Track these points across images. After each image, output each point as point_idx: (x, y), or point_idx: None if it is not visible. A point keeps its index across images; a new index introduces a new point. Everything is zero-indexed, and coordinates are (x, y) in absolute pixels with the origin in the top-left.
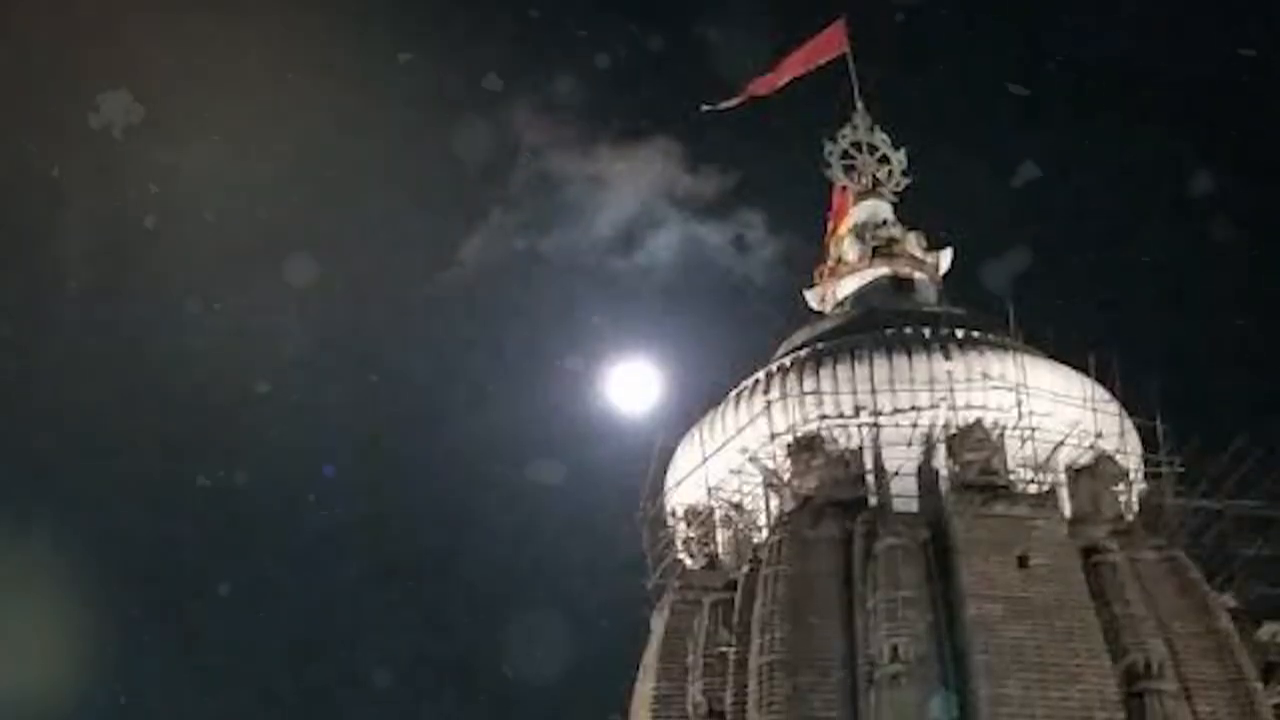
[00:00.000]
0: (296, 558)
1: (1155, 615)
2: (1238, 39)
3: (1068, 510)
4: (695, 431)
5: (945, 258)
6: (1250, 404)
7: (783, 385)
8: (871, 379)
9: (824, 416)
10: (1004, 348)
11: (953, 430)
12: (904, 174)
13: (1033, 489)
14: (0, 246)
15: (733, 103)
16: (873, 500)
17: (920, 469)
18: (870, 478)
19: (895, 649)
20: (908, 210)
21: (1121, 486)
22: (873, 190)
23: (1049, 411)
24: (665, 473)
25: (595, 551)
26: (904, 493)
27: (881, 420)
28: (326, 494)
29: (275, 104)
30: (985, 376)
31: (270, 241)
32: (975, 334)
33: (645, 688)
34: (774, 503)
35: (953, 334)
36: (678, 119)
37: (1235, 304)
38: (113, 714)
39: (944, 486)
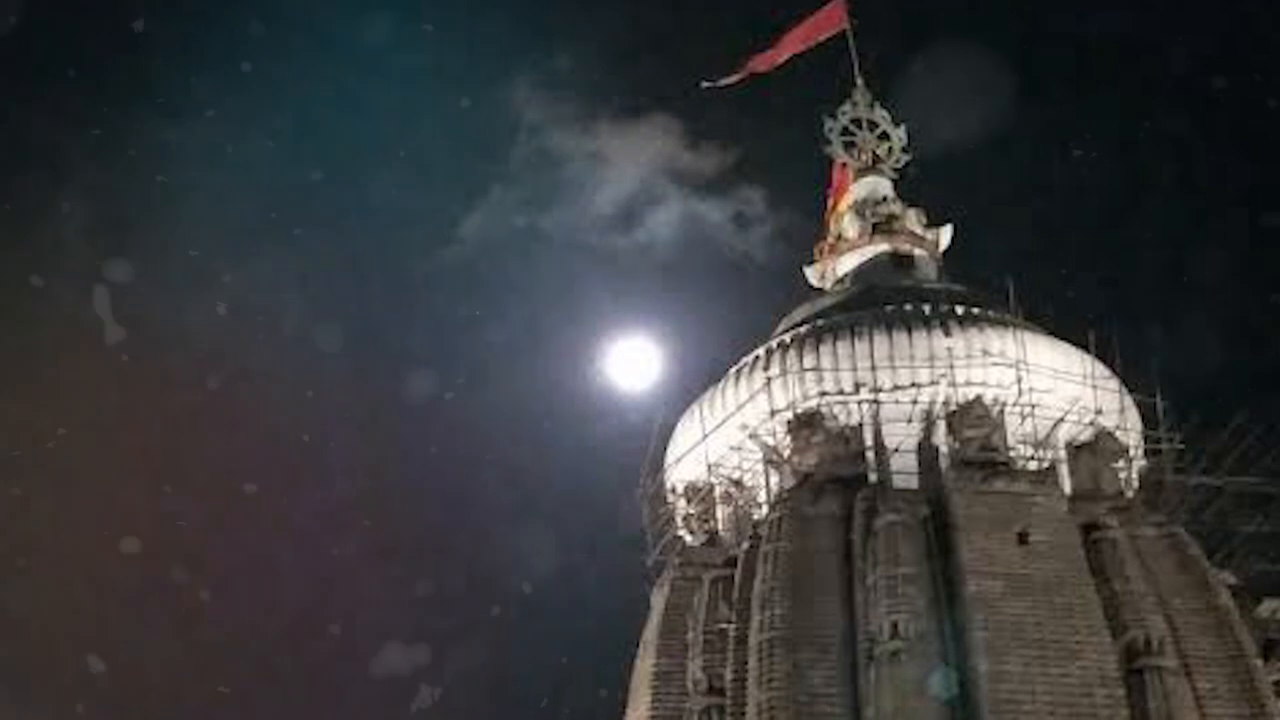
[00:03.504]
0: (295, 535)
1: (1155, 592)
2: (1238, 15)
3: (1067, 487)
4: (695, 408)
5: (945, 234)
6: (1250, 380)
7: (783, 362)
8: (871, 355)
9: (824, 393)
10: (1004, 324)
11: (953, 407)
12: (904, 150)
13: (1033, 466)
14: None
15: (733, 79)
16: (873, 477)
17: (920, 446)
18: (870, 454)
19: (895, 626)
20: (908, 187)
21: (1121, 463)
22: (873, 167)
23: (1049, 388)
24: (665, 449)
25: (595, 528)
26: (904, 469)
27: (881, 397)
28: (326, 471)
29: (275, 80)
30: (985, 353)
31: (270, 218)
32: (975, 311)
33: (645, 664)
34: (774, 479)
35: (953, 310)
36: (678, 95)
37: (1235, 281)
38: (112, 693)
39: (944, 463)
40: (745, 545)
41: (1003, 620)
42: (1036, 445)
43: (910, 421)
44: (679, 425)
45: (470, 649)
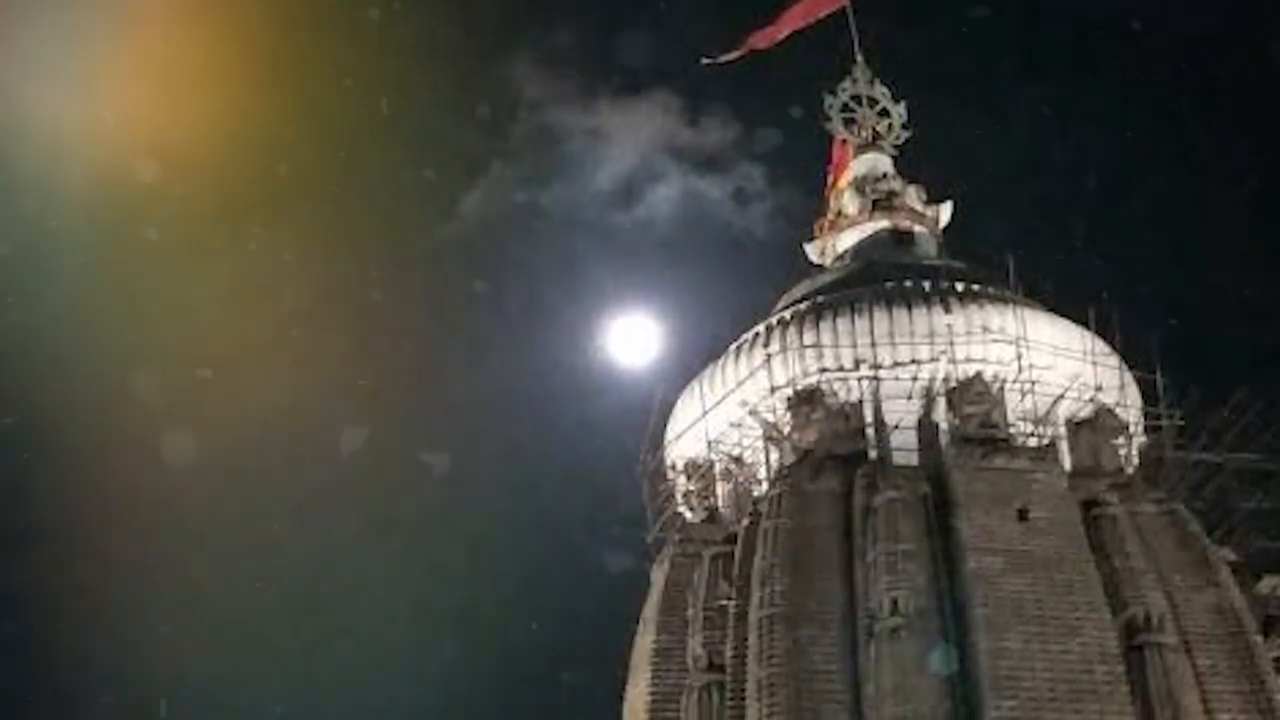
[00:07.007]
0: (296, 511)
1: (1155, 568)
2: None
3: (1067, 463)
4: (695, 385)
5: (945, 211)
6: (1250, 357)
7: (783, 338)
8: (871, 332)
9: (824, 370)
10: (1004, 301)
11: (953, 383)
12: (904, 127)
13: (1033, 442)
14: None
15: (733, 56)
16: (873, 453)
17: (920, 422)
18: (870, 431)
19: (895, 602)
20: (908, 163)
21: (1121, 440)
22: (873, 143)
23: (1049, 365)
24: (665, 426)
25: (595, 505)
26: (904, 446)
27: (881, 373)
28: (326, 447)
29: (276, 57)
30: (985, 330)
31: (270, 194)
32: (975, 287)
33: (645, 641)
34: (774, 456)
35: (953, 287)
36: (678, 72)
37: (1235, 257)
38: (111, 669)
39: (944, 440)
40: (745, 522)
41: (1003, 597)
42: (1036, 422)
43: (910, 398)
44: (679, 402)
45: (470, 624)
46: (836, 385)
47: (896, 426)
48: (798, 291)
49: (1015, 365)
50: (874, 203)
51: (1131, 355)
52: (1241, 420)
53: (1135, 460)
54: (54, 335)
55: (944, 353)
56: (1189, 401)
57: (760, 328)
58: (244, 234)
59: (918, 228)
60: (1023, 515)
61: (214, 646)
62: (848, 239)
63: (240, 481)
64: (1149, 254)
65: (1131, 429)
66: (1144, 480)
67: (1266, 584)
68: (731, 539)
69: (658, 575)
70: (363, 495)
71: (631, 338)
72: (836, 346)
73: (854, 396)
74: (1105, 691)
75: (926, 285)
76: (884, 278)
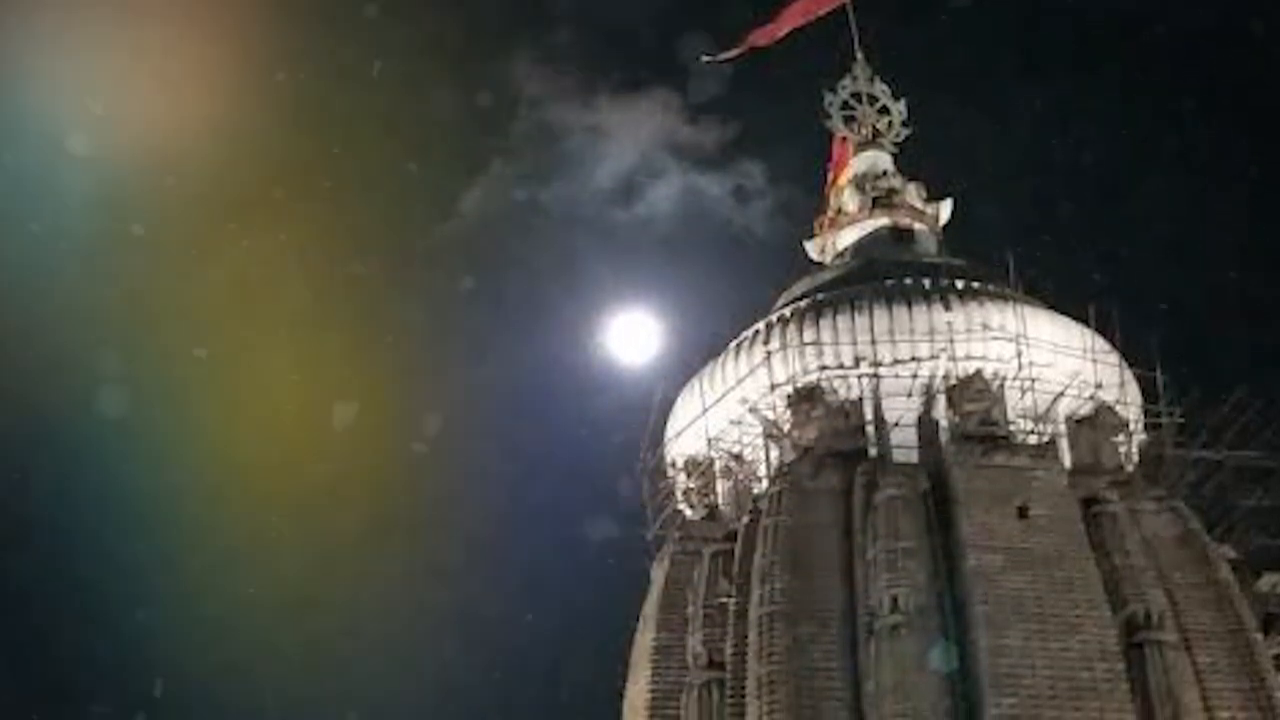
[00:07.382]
0: (295, 508)
1: (1155, 566)
2: None
3: (1067, 461)
4: (695, 382)
5: (945, 208)
6: (1250, 355)
7: (783, 336)
8: (871, 330)
9: (824, 367)
10: (1004, 298)
11: (953, 381)
12: (904, 125)
13: (1033, 440)
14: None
15: (733, 53)
16: (873, 451)
17: (920, 420)
18: (870, 428)
19: (895, 600)
20: (908, 161)
21: (1121, 437)
22: (873, 141)
23: (1049, 362)
24: (665, 423)
25: (595, 502)
26: (904, 443)
27: (881, 371)
28: (324, 444)
29: (274, 54)
30: (985, 327)
31: (268, 192)
32: (975, 285)
33: (645, 638)
34: (774, 453)
35: (953, 285)
36: (677, 70)
37: (1235, 255)
38: (109, 666)
39: (944, 437)
40: (745, 519)
41: (1003, 594)
42: (1036, 419)
43: (910, 396)
44: (679, 399)
45: (469, 623)
46: (836, 383)
47: (896, 424)
48: (798, 289)
49: (1015, 363)
50: (874, 200)
51: (1131, 353)
52: (1242, 418)
53: (1135, 458)
54: (54, 335)
55: (944, 350)
56: (1189, 399)
57: (760, 325)
58: (243, 232)
59: (918, 225)
60: (1023, 513)
61: (212, 642)
62: (848, 236)
63: (239, 479)
64: (1149, 252)
65: (1131, 426)
66: (1144, 478)
67: (1266, 581)
68: (731, 536)
69: (658, 573)
70: (361, 493)
71: (631, 335)
72: (836, 344)
73: (854, 394)
74: (1105, 689)
75: (926, 283)
76: (884, 275)
